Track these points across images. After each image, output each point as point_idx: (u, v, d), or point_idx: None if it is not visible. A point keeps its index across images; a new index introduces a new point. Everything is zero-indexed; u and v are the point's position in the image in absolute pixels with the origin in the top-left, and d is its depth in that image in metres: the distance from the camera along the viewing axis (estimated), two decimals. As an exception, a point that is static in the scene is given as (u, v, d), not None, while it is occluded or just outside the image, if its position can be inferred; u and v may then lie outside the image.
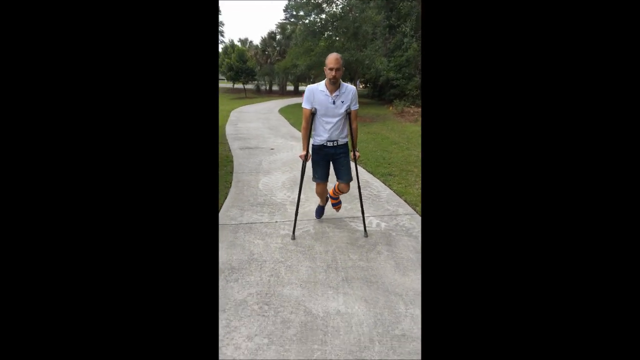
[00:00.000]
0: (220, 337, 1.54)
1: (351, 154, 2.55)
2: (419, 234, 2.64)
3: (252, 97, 23.54)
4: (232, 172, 4.41)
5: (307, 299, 1.83)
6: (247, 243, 2.47)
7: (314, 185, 2.75)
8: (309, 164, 2.54)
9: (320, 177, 2.54)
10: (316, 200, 3.03)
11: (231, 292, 1.88)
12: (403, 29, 13.88)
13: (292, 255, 2.31)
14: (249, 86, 28.09)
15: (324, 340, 1.52)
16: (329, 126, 2.37)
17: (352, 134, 2.48)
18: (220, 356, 1.43)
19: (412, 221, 2.90)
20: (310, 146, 2.48)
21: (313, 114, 2.37)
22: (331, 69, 2.22)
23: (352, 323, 1.64)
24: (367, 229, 2.67)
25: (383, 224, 2.83)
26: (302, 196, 2.70)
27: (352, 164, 2.57)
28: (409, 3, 14.07)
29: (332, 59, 2.23)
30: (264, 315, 1.69)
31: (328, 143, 2.42)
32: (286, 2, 25.74)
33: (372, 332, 1.58)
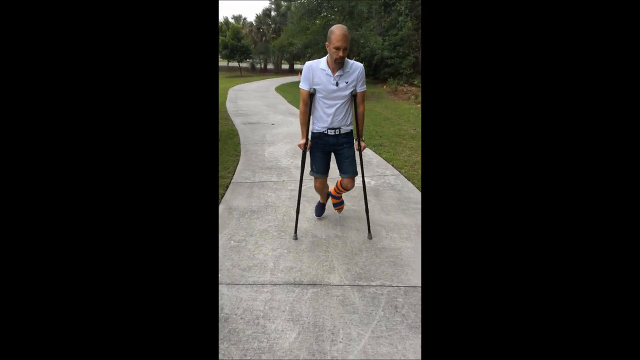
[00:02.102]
0: (251, 250, 2.13)
1: (355, 143, 2.18)
2: (402, 189, 3.23)
3: (247, 76, 23.61)
4: (239, 144, 4.93)
5: (313, 228, 2.42)
6: (262, 195, 3.04)
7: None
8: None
9: (319, 170, 2.18)
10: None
11: (255, 225, 2.47)
12: (398, 8, 14.08)
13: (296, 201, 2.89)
14: (244, 64, 28.01)
15: (327, 250, 2.12)
16: (330, 110, 2.00)
17: (358, 120, 2.11)
18: (253, 260, 2.02)
19: (397, 180, 3.48)
20: (310, 134, 2.15)
21: (312, 95, 2.01)
22: (337, 49, 1.80)
23: (347, 242, 2.24)
24: (355, 187, 3.24)
25: (373, 182, 3.41)
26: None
27: (357, 157, 2.22)
28: (404, -19, 14.19)
29: (339, 35, 1.79)
30: (281, 238, 2.29)
31: (329, 131, 2.05)
32: (281, -22, 25.32)
33: (361, 246, 2.19)
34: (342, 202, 2.49)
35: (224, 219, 2.57)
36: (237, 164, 3.97)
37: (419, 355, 1.37)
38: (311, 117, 2.11)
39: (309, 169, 2.24)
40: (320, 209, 2.56)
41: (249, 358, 1.35)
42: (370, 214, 2.65)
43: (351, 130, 2.15)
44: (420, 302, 1.68)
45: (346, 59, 1.92)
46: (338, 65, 1.91)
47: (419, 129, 6.10)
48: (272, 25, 27.29)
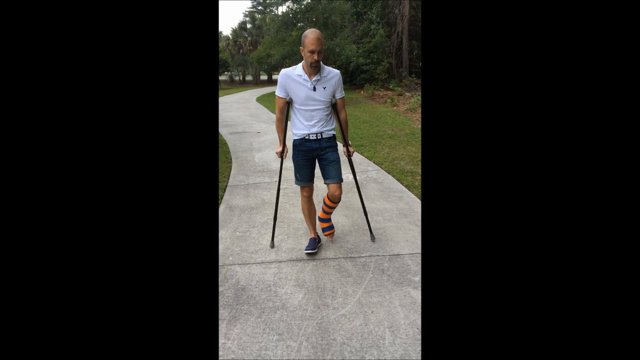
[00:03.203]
0: (256, 238, 2.44)
1: (343, 149, 2.16)
2: (383, 181, 3.61)
3: (226, 88, 23.79)
4: (229, 152, 5.20)
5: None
6: (257, 194, 3.35)
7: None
8: (291, 164, 2.18)
9: (304, 178, 2.11)
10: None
11: (255, 219, 2.77)
12: (370, 16, 14.73)
13: (291, 198, 3.21)
14: (222, 77, 28.18)
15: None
16: (308, 116, 1.98)
17: (342, 126, 2.09)
18: (258, 245, 2.33)
19: (378, 174, 3.86)
20: (291, 143, 2.11)
21: (288, 103, 2.00)
22: (312, 52, 1.80)
23: (338, 226, 2.58)
24: (344, 181, 3.59)
25: (357, 177, 3.78)
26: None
27: (346, 163, 2.21)
28: (374, -9, 14.91)
29: (312, 38, 1.79)
30: (280, 227, 2.60)
31: (310, 136, 2.00)
32: (254, -9, 25.92)
33: (350, 229, 2.53)
34: (332, 227, 2.27)
35: (227, 216, 2.86)
36: (231, 169, 4.25)
37: (403, 301, 1.71)
38: (290, 126, 2.09)
39: (294, 178, 2.19)
40: (312, 244, 2.21)
41: (267, 314, 1.66)
42: (356, 202, 2.99)
43: (334, 135, 2.08)
44: (402, 265, 2.03)
45: (322, 64, 1.93)
46: (314, 69, 1.90)
47: (397, 130, 6.54)
48: (249, 38, 27.68)
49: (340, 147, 2.21)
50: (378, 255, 2.16)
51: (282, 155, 2.12)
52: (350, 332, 1.53)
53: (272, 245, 2.31)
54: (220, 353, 1.43)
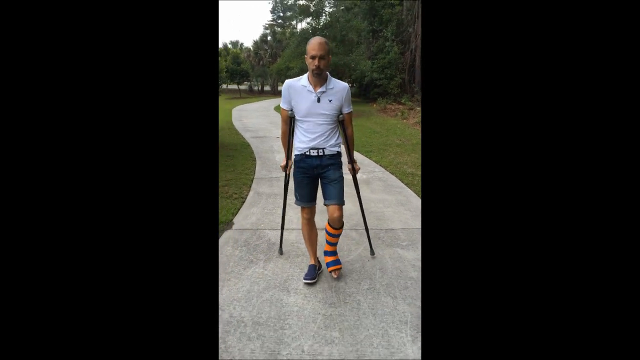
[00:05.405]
0: (280, 214, 3.07)
1: (348, 166, 2.04)
2: (387, 180, 4.22)
3: (246, 97, 24.86)
4: (253, 152, 5.91)
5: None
6: (280, 185, 4.00)
7: None
8: (291, 182, 2.06)
9: (303, 198, 1.97)
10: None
11: (279, 202, 3.42)
12: (385, 34, 15.54)
13: (309, 189, 3.85)
14: (242, 87, 29.42)
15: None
16: (311, 129, 1.84)
17: (348, 143, 2.00)
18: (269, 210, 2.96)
19: (383, 174, 4.47)
20: (292, 157, 1.98)
21: (292, 117, 1.89)
22: (313, 57, 1.70)
23: (345, 208, 3.19)
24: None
25: (364, 176, 4.40)
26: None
27: (351, 184, 2.09)
28: (390, 10, 15.74)
29: (314, 43, 1.71)
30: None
31: (311, 152, 1.86)
32: (273, 4, 27.31)
33: (357, 212, 3.14)
34: (338, 262, 2.05)
35: (256, 199, 3.51)
36: (255, 166, 4.94)
37: (392, 255, 2.31)
38: (293, 138, 1.96)
39: (294, 198, 2.07)
40: (311, 272, 2.01)
41: (292, 258, 2.28)
42: (362, 194, 3.60)
43: (338, 152, 1.92)
44: (394, 235, 2.63)
45: (330, 77, 1.83)
46: (318, 78, 1.77)
47: (404, 140, 7.15)
48: (269, 51, 28.92)
49: (346, 163, 2.11)
50: (377, 229, 2.76)
51: (286, 169, 2.03)
52: (351, 270, 2.14)
53: (281, 252, 2.35)
54: (259, 278, 2.06)
